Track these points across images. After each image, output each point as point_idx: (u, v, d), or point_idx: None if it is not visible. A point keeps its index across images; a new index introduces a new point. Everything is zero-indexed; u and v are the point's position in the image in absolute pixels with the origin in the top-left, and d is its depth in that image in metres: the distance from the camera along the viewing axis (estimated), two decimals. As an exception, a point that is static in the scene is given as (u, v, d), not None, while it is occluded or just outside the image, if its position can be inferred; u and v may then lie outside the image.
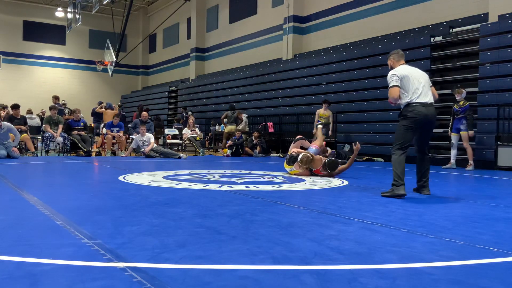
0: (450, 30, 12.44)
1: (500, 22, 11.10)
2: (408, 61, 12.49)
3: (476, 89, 11.01)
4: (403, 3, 14.66)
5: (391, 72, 5.26)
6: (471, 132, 9.85)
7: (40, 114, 17.06)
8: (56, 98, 15.44)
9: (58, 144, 12.04)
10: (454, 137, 10.11)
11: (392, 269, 2.34)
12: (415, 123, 5.11)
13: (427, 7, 13.90)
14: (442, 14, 13.35)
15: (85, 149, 12.11)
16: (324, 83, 15.57)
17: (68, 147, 12.15)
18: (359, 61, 14.44)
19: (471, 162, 9.97)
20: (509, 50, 10.52)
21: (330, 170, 7.33)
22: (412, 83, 5.14)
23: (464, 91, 10.05)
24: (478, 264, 2.45)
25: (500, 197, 5.48)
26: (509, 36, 10.63)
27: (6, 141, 10.22)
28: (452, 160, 10.22)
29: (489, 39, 10.99)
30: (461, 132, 9.94)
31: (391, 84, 5.19)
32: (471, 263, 2.47)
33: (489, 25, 11.21)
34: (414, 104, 5.09)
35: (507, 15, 11.27)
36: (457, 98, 10.11)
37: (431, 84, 5.38)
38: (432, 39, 12.36)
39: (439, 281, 2.15)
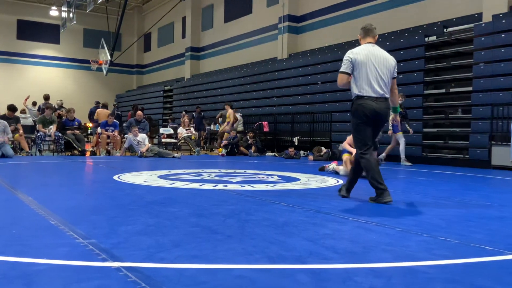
0: (444, 30, 12.49)
1: (494, 22, 11.15)
2: (403, 61, 12.73)
3: (470, 88, 11.06)
4: (398, 3, 14.70)
5: (346, 54, 4.70)
6: (411, 130, 10.83)
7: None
8: (46, 98, 15.26)
9: (53, 137, 11.95)
10: (400, 135, 10.60)
11: (387, 268, 2.35)
12: (364, 119, 4.55)
13: (421, 7, 13.94)
14: (436, 14, 13.40)
15: (79, 149, 12.06)
16: (319, 82, 15.59)
17: (62, 147, 12.10)
18: (354, 60, 14.45)
19: (384, 155, 10.72)
20: (503, 50, 10.57)
21: None
22: (366, 73, 4.54)
23: (403, 96, 10.80)
24: (472, 263, 2.47)
25: (494, 196, 5.51)
26: (503, 36, 10.68)
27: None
28: (403, 156, 10.84)
29: (483, 38, 11.04)
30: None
31: (340, 69, 4.70)
32: (465, 261, 2.49)
33: (483, 25, 11.26)
34: (363, 98, 4.52)
35: (501, 15, 11.33)
36: (400, 101, 10.53)
37: (395, 76, 4.70)
38: (426, 38, 12.41)
39: (434, 279, 2.16)
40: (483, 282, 2.13)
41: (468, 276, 2.22)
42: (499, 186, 7.05)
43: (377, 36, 4.89)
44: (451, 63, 11.93)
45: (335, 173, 7.87)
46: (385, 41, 14.00)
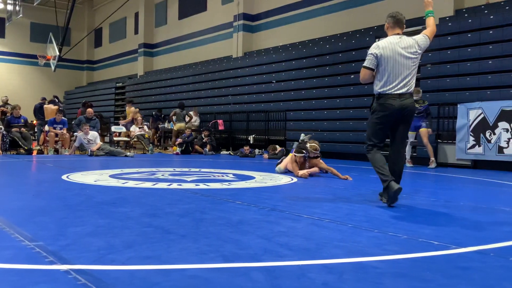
0: (394, 32, 12.86)
1: (440, 24, 11.59)
2: (354, 61, 13.01)
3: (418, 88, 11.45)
4: (350, 4, 15.03)
5: (371, 47, 4.38)
6: (430, 130, 9.93)
7: None
8: None
9: None
10: (411, 135, 9.84)
11: (339, 263, 2.39)
12: (383, 120, 4.32)
13: (371, 9, 14.32)
14: (385, 16, 13.79)
15: (25, 147, 11.59)
16: (274, 81, 15.70)
17: (7, 145, 11.57)
18: (307, 60, 14.67)
19: (432, 159, 9.96)
20: (449, 52, 11.03)
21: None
22: (392, 68, 4.24)
23: (421, 91, 10.10)
24: (420, 257, 2.55)
25: (440, 193, 5.74)
26: (449, 38, 11.14)
27: None
28: (408, 157, 10.23)
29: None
30: (421, 130, 9.84)
31: (364, 64, 4.38)
32: (414, 256, 2.57)
33: (430, 27, 11.67)
34: (386, 96, 4.25)
35: (447, 18, 11.81)
36: (415, 97, 10.10)
37: (426, 46, 4.37)
38: (377, 39, 12.72)
39: (384, 274, 2.21)
40: (431, 275, 2.21)
41: (416, 270, 2.30)
42: (445, 183, 7.35)
43: (405, 26, 4.57)
44: (400, 63, 12.29)
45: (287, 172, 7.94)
46: (338, 41, 14.28)
